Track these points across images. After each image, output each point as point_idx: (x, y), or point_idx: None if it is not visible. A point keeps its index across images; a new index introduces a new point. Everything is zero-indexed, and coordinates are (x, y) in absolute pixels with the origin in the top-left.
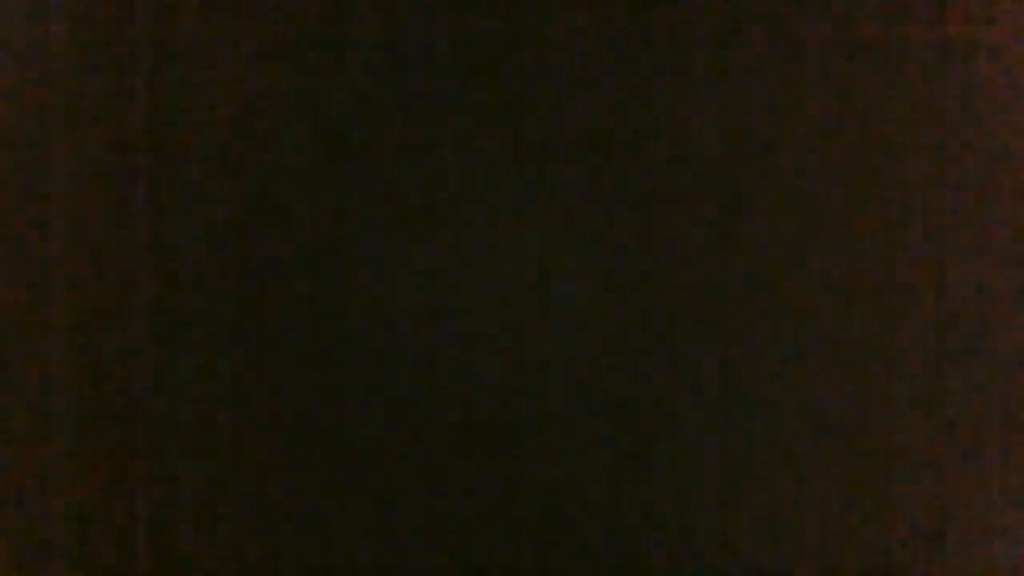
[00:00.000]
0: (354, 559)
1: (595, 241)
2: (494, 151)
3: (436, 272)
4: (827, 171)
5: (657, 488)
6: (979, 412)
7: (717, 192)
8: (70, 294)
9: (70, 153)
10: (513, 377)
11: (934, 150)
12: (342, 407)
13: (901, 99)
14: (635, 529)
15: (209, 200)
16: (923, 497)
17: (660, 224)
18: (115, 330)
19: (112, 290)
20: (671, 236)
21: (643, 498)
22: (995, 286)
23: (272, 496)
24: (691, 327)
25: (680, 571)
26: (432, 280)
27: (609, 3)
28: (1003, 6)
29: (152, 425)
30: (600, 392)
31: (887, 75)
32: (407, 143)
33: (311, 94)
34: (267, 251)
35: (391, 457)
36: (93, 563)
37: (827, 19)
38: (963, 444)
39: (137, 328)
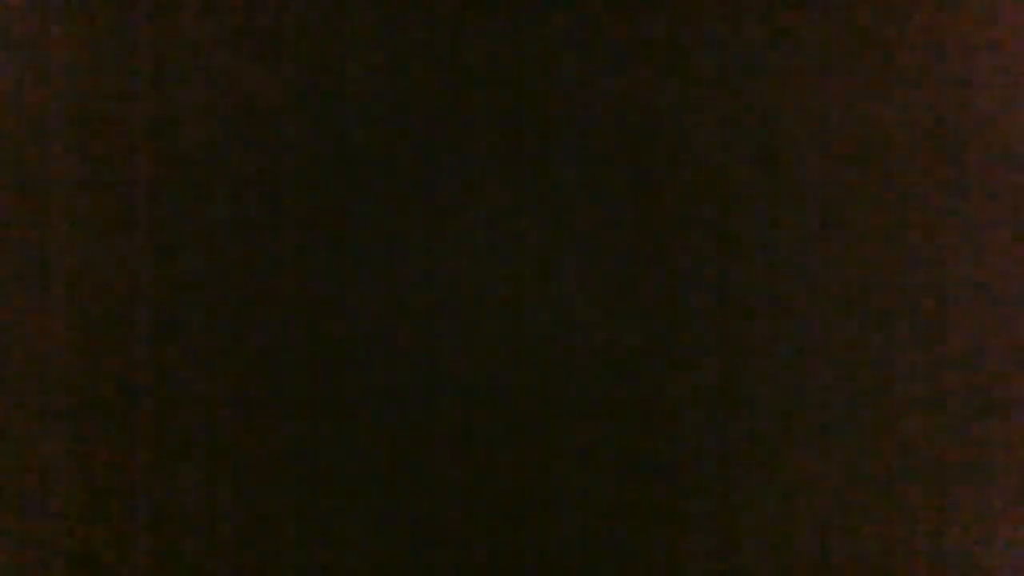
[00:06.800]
0: (354, 559)
1: (595, 241)
2: (494, 151)
3: (436, 272)
4: (827, 171)
5: (657, 488)
6: (979, 412)
7: (717, 192)
8: (70, 294)
9: (70, 154)
10: (513, 377)
11: (934, 150)
12: (342, 407)
13: (901, 98)
14: (635, 529)
15: (209, 200)
16: (923, 497)
17: (660, 224)
18: (115, 330)
19: (112, 290)
20: (671, 236)
21: (643, 498)
22: (995, 286)
23: (272, 496)
24: (691, 327)
25: (680, 571)
26: (432, 280)
27: (609, 3)
28: (1003, 6)
29: (152, 424)
30: (600, 392)
31: (887, 75)
32: (407, 143)
33: (311, 94)
34: (267, 251)
35: (391, 457)
36: (93, 563)
37: (826, 18)
38: (963, 444)
39: (137, 328)
